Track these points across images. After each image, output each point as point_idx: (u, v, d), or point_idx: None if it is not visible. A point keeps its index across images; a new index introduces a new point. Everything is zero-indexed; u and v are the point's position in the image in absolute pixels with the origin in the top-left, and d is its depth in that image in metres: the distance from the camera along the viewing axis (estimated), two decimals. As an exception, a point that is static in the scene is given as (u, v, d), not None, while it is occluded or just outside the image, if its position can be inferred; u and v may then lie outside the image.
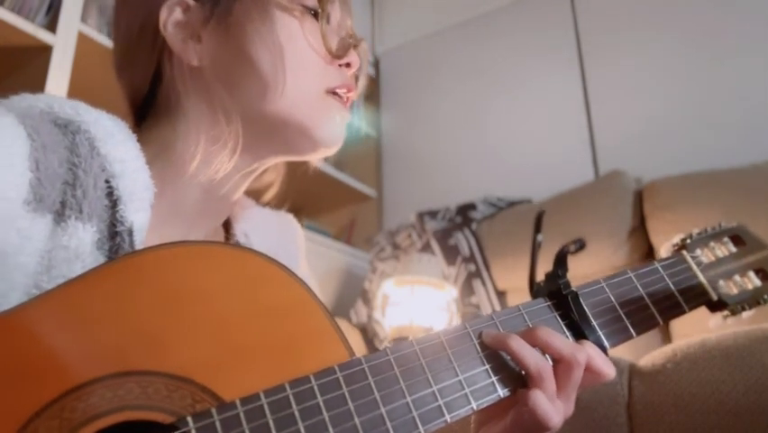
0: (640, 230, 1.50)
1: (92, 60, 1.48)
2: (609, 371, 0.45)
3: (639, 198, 1.53)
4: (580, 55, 2.00)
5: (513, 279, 1.63)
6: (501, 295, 1.66)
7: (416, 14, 2.47)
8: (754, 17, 1.71)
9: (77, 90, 1.38)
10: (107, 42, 1.50)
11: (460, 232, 1.74)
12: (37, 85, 1.33)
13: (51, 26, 1.38)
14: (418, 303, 1.55)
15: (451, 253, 1.72)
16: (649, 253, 1.50)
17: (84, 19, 1.47)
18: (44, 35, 1.35)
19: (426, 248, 1.76)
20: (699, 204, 1.39)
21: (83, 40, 1.44)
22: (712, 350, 0.92)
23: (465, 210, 1.83)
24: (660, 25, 1.87)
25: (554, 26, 2.08)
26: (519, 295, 1.63)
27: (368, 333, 1.71)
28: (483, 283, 1.66)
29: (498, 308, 1.62)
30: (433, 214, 1.86)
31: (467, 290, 1.67)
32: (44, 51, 1.36)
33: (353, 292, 1.89)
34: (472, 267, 1.68)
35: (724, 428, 0.86)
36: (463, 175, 2.10)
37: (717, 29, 1.77)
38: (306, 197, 2.15)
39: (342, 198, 2.26)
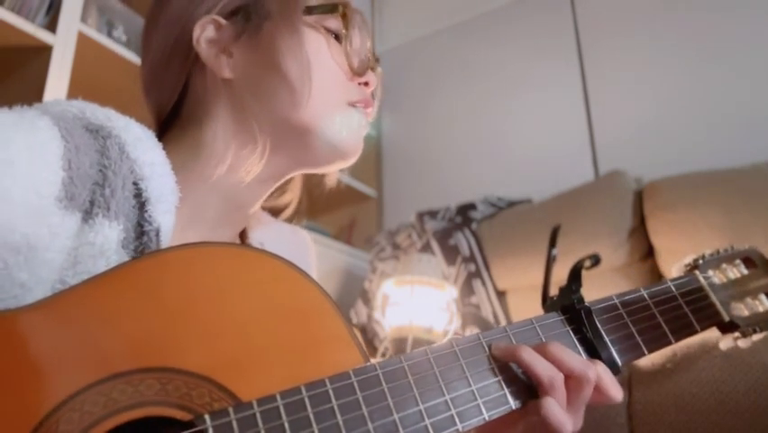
0: (640, 230, 1.51)
1: (92, 60, 1.47)
2: (617, 394, 0.46)
3: (639, 198, 1.54)
4: (580, 55, 2.01)
5: (513, 279, 1.63)
6: (501, 295, 1.66)
7: (416, 14, 2.47)
8: (754, 17, 1.72)
9: (77, 90, 1.37)
10: (107, 42, 1.49)
11: (460, 232, 1.75)
12: (37, 85, 1.32)
13: (51, 26, 1.37)
14: (418, 303, 1.55)
15: (451, 253, 1.72)
16: (649, 253, 1.51)
17: (84, 19, 1.47)
18: (44, 35, 1.35)
19: (426, 248, 1.77)
20: (699, 204, 1.39)
21: (83, 40, 1.43)
22: (712, 350, 0.92)
23: (465, 210, 1.83)
24: (659, 25, 1.87)
25: (554, 26, 2.08)
26: (519, 295, 1.63)
27: (368, 333, 1.71)
28: (483, 283, 1.66)
29: (497, 307, 1.63)
30: (433, 214, 1.86)
31: (467, 290, 1.67)
32: (44, 51, 1.35)
33: (353, 292, 1.89)
34: (472, 267, 1.68)
35: (724, 427, 0.86)
36: (463, 175, 2.10)
37: (716, 29, 1.77)
38: (306, 197, 2.14)
39: (343, 198, 2.25)
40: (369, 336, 1.71)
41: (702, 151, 1.66)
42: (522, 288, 1.62)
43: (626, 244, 1.50)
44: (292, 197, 0.63)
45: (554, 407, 0.42)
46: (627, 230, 1.50)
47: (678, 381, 0.92)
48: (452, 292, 1.61)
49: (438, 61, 2.33)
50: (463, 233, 1.74)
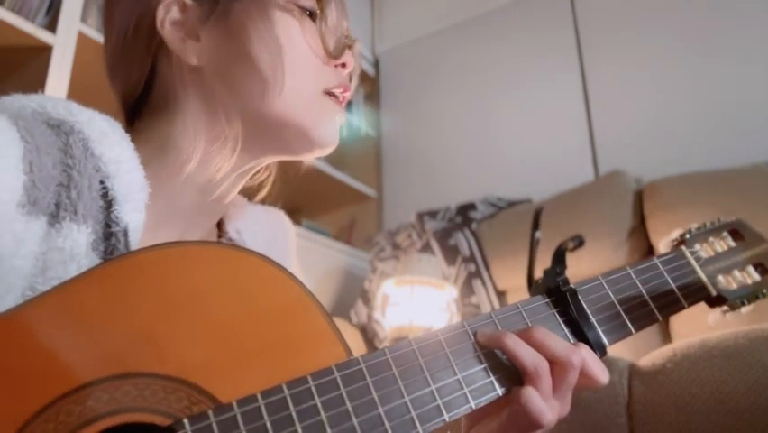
0: (640, 230, 1.50)
1: (92, 60, 1.47)
2: (603, 376, 0.45)
3: (639, 198, 1.53)
4: (580, 55, 2.00)
5: (513, 279, 1.62)
6: (501, 295, 1.66)
7: (416, 14, 2.47)
8: (755, 17, 1.71)
9: (77, 90, 1.38)
10: (107, 42, 1.50)
11: (460, 232, 1.74)
12: (37, 85, 1.33)
13: (51, 26, 1.38)
14: (418, 303, 1.55)
15: (451, 253, 1.72)
16: (649, 253, 1.50)
17: (84, 19, 1.47)
18: (44, 35, 1.35)
19: (426, 248, 1.76)
20: (699, 204, 1.39)
21: (83, 40, 1.44)
22: (712, 350, 0.92)
23: (465, 210, 1.83)
24: (660, 25, 1.87)
25: (554, 26, 2.08)
26: (519, 295, 1.63)
27: (368, 333, 1.71)
28: (483, 283, 1.66)
29: (497, 307, 1.62)
30: (433, 214, 1.86)
31: (467, 290, 1.67)
32: (44, 51, 1.36)
33: (353, 292, 1.89)
34: (472, 267, 1.68)
35: (724, 428, 0.85)
36: (463, 175, 2.10)
37: (717, 29, 1.77)
38: (306, 197, 2.15)
39: (343, 198, 2.26)
40: (369, 336, 1.71)
41: (702, 151, 1.65)
42: (522, 287, 1.61)
43: (626, 244, 1.49)
44: (266, 175, 0.60)
45: (534, 397, 0.41)
46: (627, 230, 1.50)
47: (678, 381, 0.92)
48: (452, 292, 1.60)
49: (438, 61, 2.33)
50: (463, 233, 1.74)
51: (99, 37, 1.49)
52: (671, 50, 1.83)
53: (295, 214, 2.14)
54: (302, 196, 2.11)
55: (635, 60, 1.88)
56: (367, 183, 2.28)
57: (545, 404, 0.42)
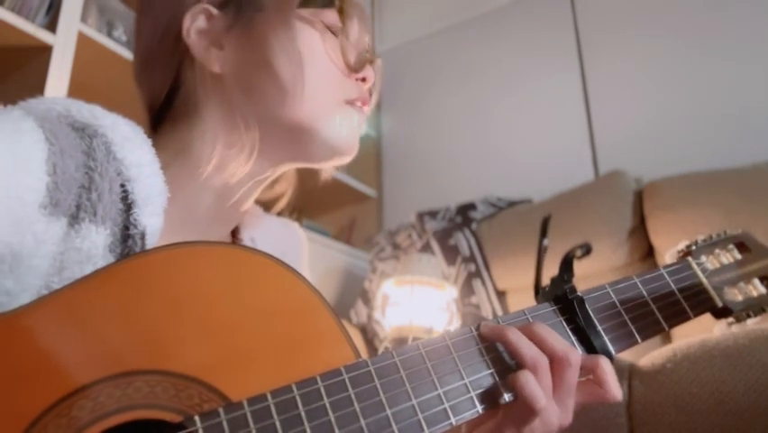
0: (640, 230, 1.51)
1: (92, 60, 1.47)
2: (617, 391, 0.45)
3: (639, 198, 1.53)
4: (580, 55, 2.00)
5: (513, 279, 1.63)
6: (501, 295, 1.66)
7: (416, 14, 2.47)
8: (754, 17, 1.72)
9: (76, 90, 1.38)
10: (107, 42, 1.49)
11: (460, 232, 1.75)
12: (37, 85, 1.32)
13: (51, 26, 1.38)
14: (418, 303, 1.55)
15: (451, 253, 1.72)
16: (649, 254, 1.51)
17: (84, 19, 1.47)
18: (44, 35, 1.35)
19: (426, 248, 1.77)
20: (699, 204, 1.39)
21: (83, 40, 1.43)
22: (712, 350, 0.92)
23: (465, 210, 1.83)
24: (660, 25, 1.87)
25: (554, 26, 2.08)
26: (519, 295, 1.63)
27: (368, 333, 1.71)
28: (483, 283, 1.66)
29: (497, 307, 1.63)
30: (433, 214, 1.86)
31: (467, 290, 1.67)
32: (44, 51, 1.35)
33: (353, 292, 1.89)
34: (472, 267, 1.68)
35: (724, 428, 0.86)
36: (463, 175, 2.10)
37: (717, 29, 1.77)
38: (307, 197, 2.15)
39: (343, 198, 2.26)
40: (369, 337, 1.71)
41: (702, 151, 1.66)
42: (522, 288, 1.61)
43: (626, 244, 1.49)
44: (286, 186, 0.61)
45: (530, 380, 0.42)
46: (627, 230, 1.50)
47: (678, 381, 0.92)
48: (452, 292, 1.60)
49: (438, 61, 2.33)
50: (463, 233, 1.74)
51: (99, 37, 1.48)
52: (671, 50, 1.83)
53: (295, 214, 2.14)
54: (302, 196, 2.11)
55: (635, 60, 1.89)
56: (367, 183, 2.28)
57: (541, 390, 0.42)
